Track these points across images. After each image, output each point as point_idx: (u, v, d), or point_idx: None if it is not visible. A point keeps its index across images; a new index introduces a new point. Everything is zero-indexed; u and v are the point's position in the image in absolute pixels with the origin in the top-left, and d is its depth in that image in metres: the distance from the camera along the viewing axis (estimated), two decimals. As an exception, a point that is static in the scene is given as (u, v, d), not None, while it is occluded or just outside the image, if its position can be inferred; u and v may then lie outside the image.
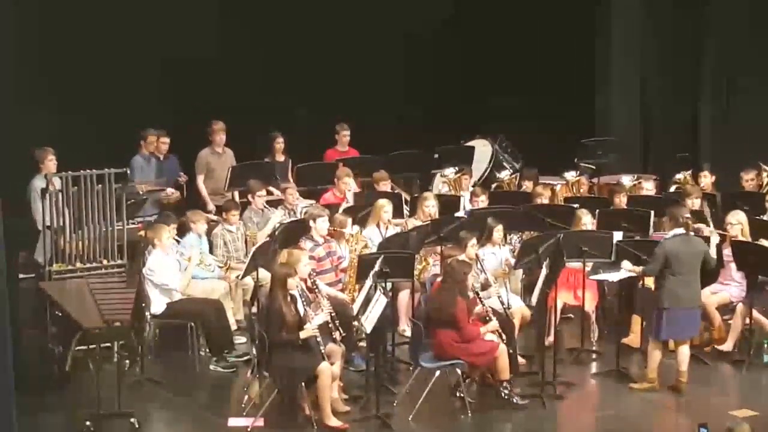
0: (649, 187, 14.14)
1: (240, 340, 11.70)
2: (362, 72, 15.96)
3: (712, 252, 10.96)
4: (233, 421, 10.02)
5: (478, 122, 16.25)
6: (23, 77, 12.99)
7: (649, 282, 11.39)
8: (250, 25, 15.54)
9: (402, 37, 16.57)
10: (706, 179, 14.05)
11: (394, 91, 16.27)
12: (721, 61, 16.63)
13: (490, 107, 16.39)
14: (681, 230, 10.47)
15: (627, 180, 14.67)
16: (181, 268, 11.52)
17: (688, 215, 10.60)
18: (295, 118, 15.36)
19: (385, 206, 12.20)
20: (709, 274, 11.22)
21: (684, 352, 10.61)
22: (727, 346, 11.53)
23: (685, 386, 10.62)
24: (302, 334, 9.82)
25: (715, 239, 11.26)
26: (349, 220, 11.92)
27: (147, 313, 11.05)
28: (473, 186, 14.43)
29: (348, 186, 13.45)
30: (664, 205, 12.00)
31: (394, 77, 16.34)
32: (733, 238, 11.53)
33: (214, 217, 13.25)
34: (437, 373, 10.24)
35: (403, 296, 11.94)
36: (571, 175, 14.91)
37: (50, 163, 12.30)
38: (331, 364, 9.83)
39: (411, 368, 10.63)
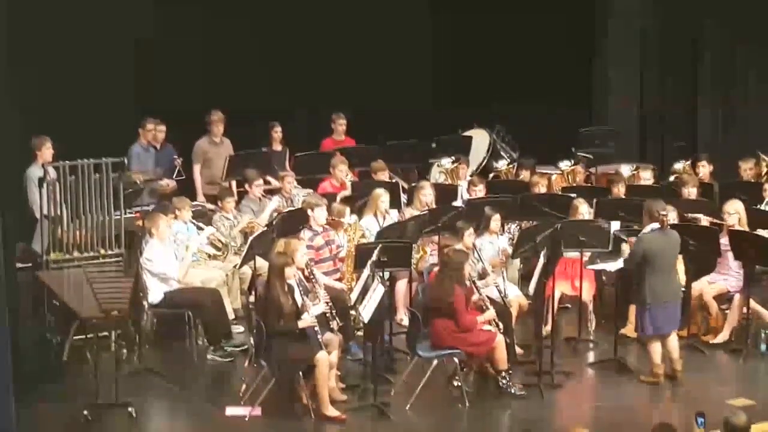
0: (647, 177, 14.13)
1: (238, 329, 11.71)
2: (359, 61, 15.93)
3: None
4: (231, 411, 10.02)
5: (476, 111, 16.22)
6: (20, 66, 12.95)
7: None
8: (250, 15, 15.50)
9: (397, 25, 16.53)
10: (704, 169, 14.04)
11: (391, 79, 16.23)
12: (719, 51, 16.61)
13: (488, 96, 16.36)
14: (657, 225, 10.46)
15: (626, 170, 14.66)
16: (179, 257, 11.51)
17: (665, 211, 10.53)
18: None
19: (383, 196, 12.20)
20: (701, 260, 11.29)
21: (673, 341, 10.63)
22: (725, 336, 11.54)
23: (680, 374, 10.65)
24: (300, 324, 9.81)
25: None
26: (347, 210, 11.92)
27: (144, 303, 11.05)
28: (471, 175, 14.42)
29: (344, 174, 13.45)
30: (661, 195, 11.98)
31: (389, 66, 16.30)
32: (730, 228, 11.53)
33: (210, 206, 13.24)
34: (435, 362, 10.24)
35: (401, 285, 11.94)
36: (565, 165, 14.91)
37: (47, 151, 12.28)
38: (329, 353, 9.83)
39: (408, 358, 10.63)
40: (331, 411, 9.80)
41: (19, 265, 11.41)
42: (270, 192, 13.34)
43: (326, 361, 9.74)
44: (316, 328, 9.85)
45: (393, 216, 12.34)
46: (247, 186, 13.13)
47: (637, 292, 10.55)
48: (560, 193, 13.66)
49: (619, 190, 13.16)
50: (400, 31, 16.54)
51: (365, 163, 14.00)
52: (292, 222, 11.68)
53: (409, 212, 12.43)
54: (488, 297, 10.61)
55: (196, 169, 14.06)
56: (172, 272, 11.22)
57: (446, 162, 14.76)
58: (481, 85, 16.40)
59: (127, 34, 14.47)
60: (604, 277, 12.15)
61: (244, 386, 10.26)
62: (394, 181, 13.57)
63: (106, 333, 10.73)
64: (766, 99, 16.22)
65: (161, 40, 14.63)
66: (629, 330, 11.60)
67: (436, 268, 10.81)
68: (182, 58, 14.82)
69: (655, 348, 10.61)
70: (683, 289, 11.30)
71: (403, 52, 16.53)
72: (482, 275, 10.99)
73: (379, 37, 16.10)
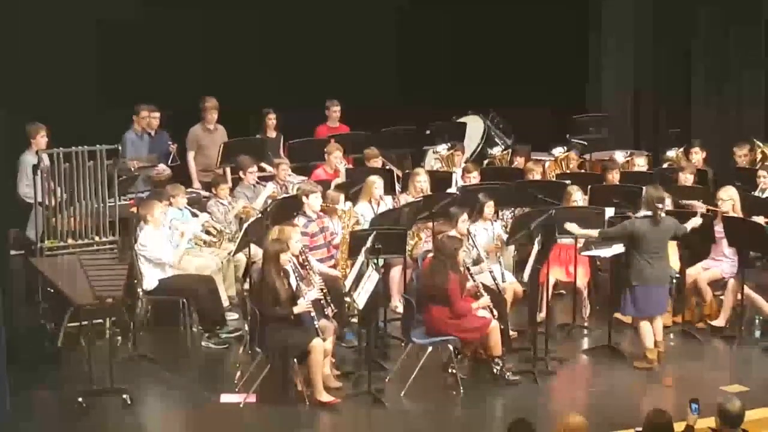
0: (641, 164, 14.13)
1: (232, 316, 11.71)
2: (354, 48, 15.91)
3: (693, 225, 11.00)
4: (225, 397, 10.03)
5: (470, 98, 16.20)
6: (15, 53, 12.94)
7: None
8: (244, 2, 15.47)
9: (392, 11, 16.49)
10: (697, 155, 14.05)
11: (386, 67, 16.21)
12: (714, 37, 16.59)
13: (482, 83, 16.34)
14: (650, 213, 10.47)
15: (620, 156, 14.66)
16: (173, 243, 11.51)
17: (661, 204, 10.53)
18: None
19: (377, 182, 12.20)
20: (695, 246, 11.31)
21: (658, 324, 10.68)
22: (719, 322, 11.55)
23: (662, 355, 10.69)
24: (296, 309, 9.80)
25: (696, 221, 11.17)
26: (342, 196, 11.92)
27: (139, 290, 11.05)
28: (465, 162, 14.43)
29: (339, 160, 13.44)
30: (655, 182, 11.99)
31: (385, 52, 16.28)
32: (724, 214, 11.54)
33: (205, 193, 13.24)
34: (429, 349, 10.24)
35: (395, 272, 11.95)
36: (559, 151, 14.91)
37: (42, 139, 12.27)
38: (323, 340, 9.84)
39: (403, 344, 10.64)
40: (326, 397, 9.80)
41: (12, 251, 11.40)
42: (264, 179, 13.33)
43: (321, 347, 9.74)
44: (312, 314, 9.85)
45: (387, 203, 12.34)
46: (241, 173, 13.11)
47: (625, 274, 10.58)
48: (553, 179, 13.67)
49: (614, 177, 13.17)
50: (395, 18, 16.51)
51: (359, 150, 14.00)
52: (287, 208, 11.68)
53: (404, 199, 12.44)
54: (482, 284, 10.62)
55: (191, 156, 14.03)
56: (167, 257, 11.21)
57: (442, 148, 14.77)
58: (475, 71, 16.37)
59: (123, 22, 14.43)
60: (598, 263, 12.16)
61: (238, 373, 10.26)
62: (388, 168, 13.57)
63: (100, 320, 10.72)
64: (762, 89, 16.21)
65: (157, 29, 14.59)
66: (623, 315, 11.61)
67: (430, 255, 10.81)
68: (178, 46, 14.78)
69: (647, 332, 10.62)
70: (677, 275, 11.33)
71: (397, 38, 16.51)
72: (477, 262, 11.00)
73: (373, 23, 16.07)
